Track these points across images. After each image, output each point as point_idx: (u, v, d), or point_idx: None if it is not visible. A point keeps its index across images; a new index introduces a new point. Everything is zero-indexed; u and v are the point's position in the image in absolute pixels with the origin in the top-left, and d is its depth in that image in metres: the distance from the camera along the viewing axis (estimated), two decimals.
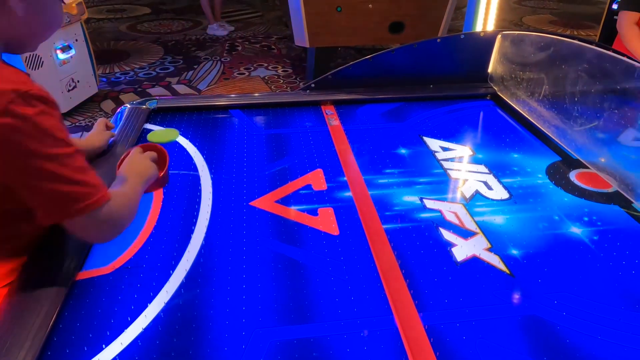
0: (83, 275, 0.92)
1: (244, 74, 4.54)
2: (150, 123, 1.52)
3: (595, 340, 0.81)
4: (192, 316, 0.84)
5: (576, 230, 1.07)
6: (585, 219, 1.11)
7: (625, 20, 2.27)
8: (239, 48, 5.38)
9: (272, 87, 4.24)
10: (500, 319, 0.85)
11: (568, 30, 6.11)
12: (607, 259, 0.98)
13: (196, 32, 5.95)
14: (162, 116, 1.57)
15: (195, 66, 4.81)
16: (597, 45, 1.38)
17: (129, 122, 1.46)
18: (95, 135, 1.28)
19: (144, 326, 0.81)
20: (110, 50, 5.12)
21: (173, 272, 0.93)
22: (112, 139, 1.33)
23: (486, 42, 1.73)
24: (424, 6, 3.69)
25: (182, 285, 0.90)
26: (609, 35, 4.99)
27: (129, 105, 1.60)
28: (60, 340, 0.78)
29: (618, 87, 1.26)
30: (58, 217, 0.78)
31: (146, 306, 0.85)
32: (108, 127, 1.33)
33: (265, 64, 4.88)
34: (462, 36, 1.72)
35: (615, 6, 3.74)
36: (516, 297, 0.90)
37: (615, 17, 4.64)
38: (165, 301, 0.86)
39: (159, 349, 0.78)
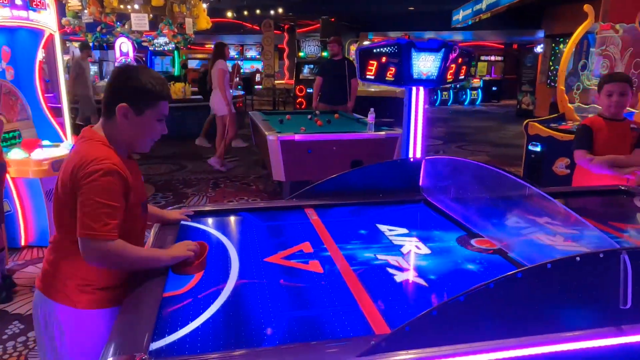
0: None
1: None
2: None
3: None
4: None
5: (471, 267, 1.71)
6: (477, 262, 1.75)
7: (581, 155, 2.98)
8: (222, 185, 6.18)
9: None
10: None
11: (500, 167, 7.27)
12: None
13: (182, 174, 6.77)
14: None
15: (184, 200, 5.51)
16: (483, 163, 2.15)
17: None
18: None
19: None
20: None
21: None
22: None
23: (416, 165, 2.51)
24: (374, 149, 4.69)
25: None
26: (530, 170, 6.28)
27: None
28: None
29: (495, 192, 1.99)
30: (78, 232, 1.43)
31: None
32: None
33: (246, 197, 5.64)
34: (399, 161, 2.51)
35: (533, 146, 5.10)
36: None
37: (532, 155, 5.99)
38: None
39: None
